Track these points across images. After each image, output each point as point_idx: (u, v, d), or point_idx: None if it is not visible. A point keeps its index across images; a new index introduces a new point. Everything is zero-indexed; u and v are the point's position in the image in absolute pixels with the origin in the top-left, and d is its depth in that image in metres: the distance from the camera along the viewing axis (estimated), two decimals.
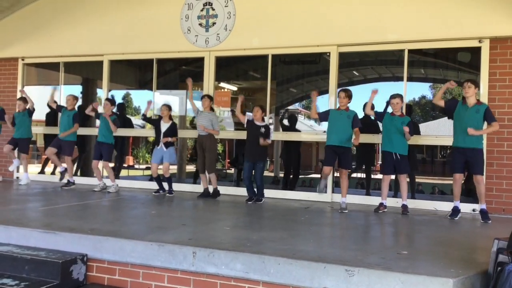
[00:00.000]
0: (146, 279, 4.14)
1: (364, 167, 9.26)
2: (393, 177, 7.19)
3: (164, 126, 7.96)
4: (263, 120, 7.47)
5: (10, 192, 8.24)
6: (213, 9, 8.47)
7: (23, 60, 10.18)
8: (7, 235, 4.68)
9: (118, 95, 8.79)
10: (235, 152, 11.27)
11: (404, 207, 6.63)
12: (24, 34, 9.88)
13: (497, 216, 6.56)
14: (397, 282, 3.35)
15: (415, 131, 7.23)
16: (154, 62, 9.05)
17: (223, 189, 8.10)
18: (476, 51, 7.10)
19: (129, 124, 10.12)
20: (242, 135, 7.89)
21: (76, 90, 11.31)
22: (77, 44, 9.41)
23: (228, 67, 10.18)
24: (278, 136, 9.53)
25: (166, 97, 10.76)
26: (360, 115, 7.04)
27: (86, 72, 10.88)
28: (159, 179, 8.11)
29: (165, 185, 8.12)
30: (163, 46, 8.81)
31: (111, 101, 8.49)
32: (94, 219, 5.68)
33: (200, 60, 8.74)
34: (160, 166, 8.06)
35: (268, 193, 7.85)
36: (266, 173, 10.28)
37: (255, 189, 7.42)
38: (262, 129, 7.24)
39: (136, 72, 11.28)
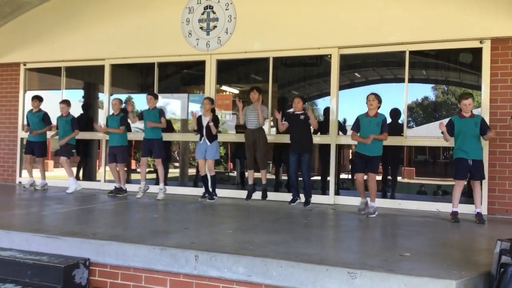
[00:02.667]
0: (148, 283, 4.13)
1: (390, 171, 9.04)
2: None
3: (205, 120, 7.71)
4: (303, 110, 7.30)
5: (13, 197, 8.25)
6: (214, 13, 8.48)
7: (25, 65, 10.22)
8: (10, 240, 4.68)
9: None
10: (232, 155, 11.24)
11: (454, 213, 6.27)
12: (25, 39, 9.92)
13: (500, 217, 6.54)
14: (400, 284, 3.34)
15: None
16: (156, 66, 9.06)
17: (226, 192, 8.09)
18: (477, 52, 7.09)
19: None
20: (242, 138, 7.88)
21: (78, 94, 11.35)
22: (79, 49, 9.43)
23: (230, 70, 10.17)
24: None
25: (167, 100, 10.77)
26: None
27: (87, 77, 10.90)
28: (206, 179, 7.74)
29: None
30: (164, 50, 8.82)
31: (155, 95, 8.17)
32: (97, 223, 5.69)
33: (201, 64, 8.75)
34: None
35: (270, 195, 7.84)
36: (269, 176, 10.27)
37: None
38: (302, 116, 7.16)
39: (137, 76, 11.29)
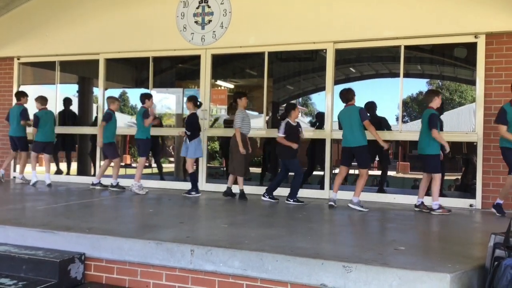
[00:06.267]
0: (144, 277, 4.13)
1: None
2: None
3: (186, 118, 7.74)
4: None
5: (8, 191, 8.22)
6: (209, 7, 8.45)
7: (18, 59, 10.13)
8: (5, 235, 4.66)
9: (114, 94, 8.77)
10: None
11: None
12: (19, 33, 9.84)
13: (494, 211, 6.57)
14: (395, 278, 3.36)
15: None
16: (150, 60, 9.01)
17: (221, 187, 8.08)
18: (472, 47, 7.10)
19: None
20: (231, 132, 7.75)
21: (73, 89, 11.31)
22: (73, 43, 9.37)
23: (225, 64, 10.17)
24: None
25: (163, 95, 10.74)
26: None
27: (82, 71, 10.85)
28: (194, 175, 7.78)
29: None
30: (159, 44, 8.78)
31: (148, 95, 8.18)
32: (92, 218, 5.68)
33: (197, 58, 8.72)
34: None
35: (264, 190, 7.84)
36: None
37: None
38: (300, 129, 7.22)
39: (132, 71, 11.25)
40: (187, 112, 10.09)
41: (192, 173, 7.77)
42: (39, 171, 8.88)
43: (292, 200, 6.98)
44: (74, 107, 10.79)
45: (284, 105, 11.44)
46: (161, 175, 10.25)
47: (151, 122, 7.96)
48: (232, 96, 7.77)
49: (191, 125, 7.73)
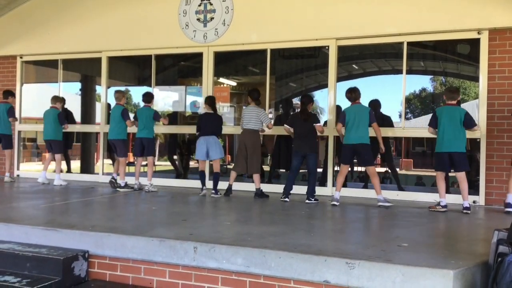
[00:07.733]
0: (147, 275, 4.15)
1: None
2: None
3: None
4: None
5: (11, 190, 8.25)
6: (211, 4, 8.44)
7: (21, 57, 10.15)
8: (9, 233, 4.69)
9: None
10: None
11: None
12: (22, 31, 9.86)
13: (497, 207, 6.56)
14: (398, 274, 3.36)
15: None
16: (153, 58, 9.02)
17: (224, 185, 8.09)
18: (475, 43, 7.08)
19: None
20: (237, 130, 7.76)
21: (76, 87, 11.33)
22: (75, 41, 9.38)
23: (227, 62, 10.16)
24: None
25: (165, 93, 10.74)
26: None
27: (84, 69, 10.86)
28: (215, 177, 7.56)
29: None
30: (161, 42, 8.79)
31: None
32: (95, 215, 5.70)
33: (199, 56, 8.71)
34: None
35: (268, 187, 7.85)
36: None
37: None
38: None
39: (135, 69, 11.26)
40: (189, 110, 10.11)
41: (218, 173, 7.62)
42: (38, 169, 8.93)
43: (313, 199, 6.92)
44: (76, 105, 10.81)
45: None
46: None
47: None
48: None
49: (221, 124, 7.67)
